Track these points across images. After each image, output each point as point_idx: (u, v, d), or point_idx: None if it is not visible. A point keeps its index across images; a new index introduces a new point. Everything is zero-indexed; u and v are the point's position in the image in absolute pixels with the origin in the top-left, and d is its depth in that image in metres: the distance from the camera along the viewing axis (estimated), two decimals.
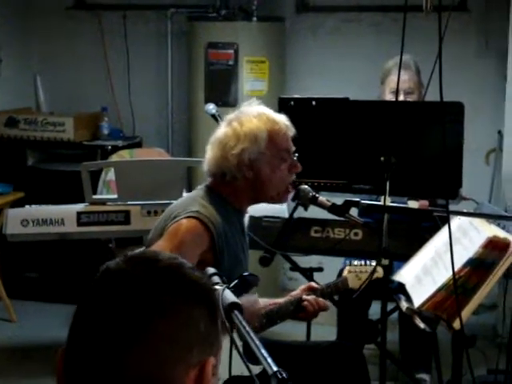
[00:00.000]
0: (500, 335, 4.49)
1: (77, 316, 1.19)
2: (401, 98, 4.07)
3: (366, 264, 3.03)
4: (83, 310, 1.19)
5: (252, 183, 2.72)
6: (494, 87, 5.33)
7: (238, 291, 1.85)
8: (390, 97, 4.14)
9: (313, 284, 2.98)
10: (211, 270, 1.86)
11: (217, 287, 1.75)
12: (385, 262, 2.98)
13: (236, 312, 1.63)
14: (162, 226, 2.69)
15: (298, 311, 2.87)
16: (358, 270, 3.02)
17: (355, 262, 3.04)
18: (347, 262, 3.14)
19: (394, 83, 3.97)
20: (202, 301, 1.19)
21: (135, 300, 1.15)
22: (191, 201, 2.74)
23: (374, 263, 2.98)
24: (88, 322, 1.17)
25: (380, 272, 2.97)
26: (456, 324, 2.45)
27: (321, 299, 2.88)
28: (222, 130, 2.75)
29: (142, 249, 2.51)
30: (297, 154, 2.81)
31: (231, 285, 1.89)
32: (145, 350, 1.13)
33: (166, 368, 1.14)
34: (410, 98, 4.12)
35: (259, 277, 2.21)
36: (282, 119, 2.78)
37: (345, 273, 3.04)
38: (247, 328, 1.54)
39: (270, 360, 1.43)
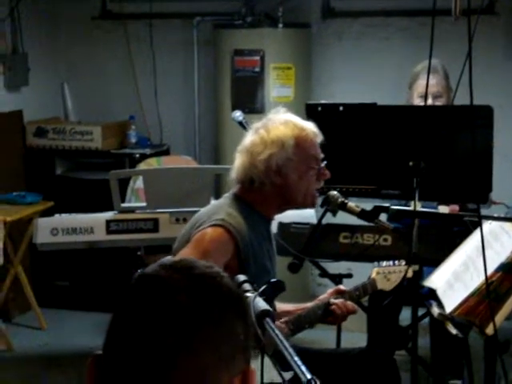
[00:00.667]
0: None
1: (115, 324, 1.17)
2: (429, 101, 4.05)
3: (394, 264, 3.00)
4: (122, 317, 1.17)
5: (280, 189, 2.71)
6: None
7: (265, 297, 1.84)
8: (418, 101, 4.14)
9: (341, 287, 2.96)
10: (242, 277, 1.85)
11: (248, 294, 1.75)
12: (415, 267, 2.96)
13: (267, 319, 1.62)
14: (187, 235, 2.69)
15: (326, 315, 2.84)
16: (386, 271, 2.98)
17: (383, 263, 3.01)
18: (376, 264, 3.10)
19: (422, 87, 4.00)
20: (240, 310, 1.19)
21: (181, 308, 1.13)
22: (217, 209, 2.73)
23: (403, 263, 2.94)
24: (129, 330, 1.15)
25: (410, 272, 2.94)
26: (489, 329, 2.42)
27: (349, 302, 2.86)
28: (249, 138, 2.75)
29: (175, 257, 2.52)
30: (325, 162, 2.79)
31: (260, 290, 1.88)
32: (190, 359, 1.12)
33: (209, 377, 1.12)
34: (439, 102, 4.10)
35: (288, 283, 2.20)
36: (310, 126, 2.76)
37: (373, 274, 3.00)
38: (280, 336, 1.54)
39: (303, 368, 1.42)
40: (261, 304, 1.69)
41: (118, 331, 1.17)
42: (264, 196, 2.73)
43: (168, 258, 1.23)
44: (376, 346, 3.72)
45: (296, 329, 2.79)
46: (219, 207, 2.74)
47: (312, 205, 2.84)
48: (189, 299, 1.14)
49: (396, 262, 3.00)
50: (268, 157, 2.66)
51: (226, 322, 1.15)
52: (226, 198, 2.79)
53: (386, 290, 2.98)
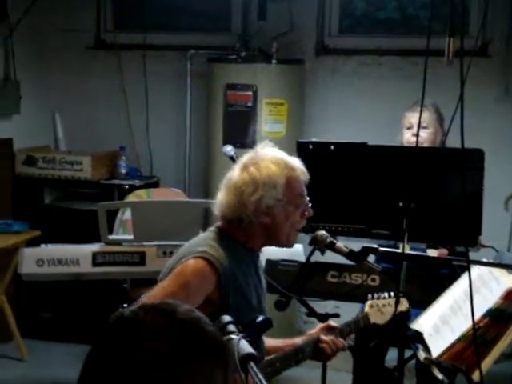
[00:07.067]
0: None
1: (89, 364, 1.15)
2: (414, 130, 4.20)
3: (389, 297, 2.95)
4: (97, 359, 1.14)
5: (266, 228, 2.68)
6: None
7: (251, 336, 1.81)
8: (405, 132, 4.28)
9: (331, 323, 2.92)
10: (227, 318, 1.82)
11: (232, 336, 1.72)
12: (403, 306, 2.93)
13: (251, 363, 1.59)
14: (170, 268, 2.65)
15: (315, 353, 2.81)
16: (380, 304, 2.94)
17: (377, 295, 2.97)
18: (369, 297, 3.04)
19: (408, 120, 4.28)
20: (221, 360, 1.15)
21: (160, 356, 1.10)
22: (200, 241, 2.69)
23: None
24: (102, 375, 1.12)
25: (405, 304, 2.89)
26: (475, 376, 2.39)
27: (339, 339, 2.83)
28: (237, 174, 2.69)
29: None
30: (308, 198, 2.76)
31: (244, 333, 1.84)
32: None
33: None
34: (424, 133, 4.18)
35: (274, 320, 2.17)
36: (299, 164, 2.74)
37: (366, 308, 2.97)
38: (263, 380, 1.51)
39: None
40: (245, 347, 1.65)
41: (90, 373, 1.14)
42: (249, 233, 2.70)
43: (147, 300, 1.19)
44: None
45: (283, 367, 2.74)
46: (202, 240, 2.70)
47: (291, 245, 2.80)
48: (170, 348, 1.10)
49: (391, 293, 2.96)
50: (259, 198, 2.63)
51: (205, 373, 1.12)
52: (210, 231, 2.76)
53: (381, 324, 2.94)
